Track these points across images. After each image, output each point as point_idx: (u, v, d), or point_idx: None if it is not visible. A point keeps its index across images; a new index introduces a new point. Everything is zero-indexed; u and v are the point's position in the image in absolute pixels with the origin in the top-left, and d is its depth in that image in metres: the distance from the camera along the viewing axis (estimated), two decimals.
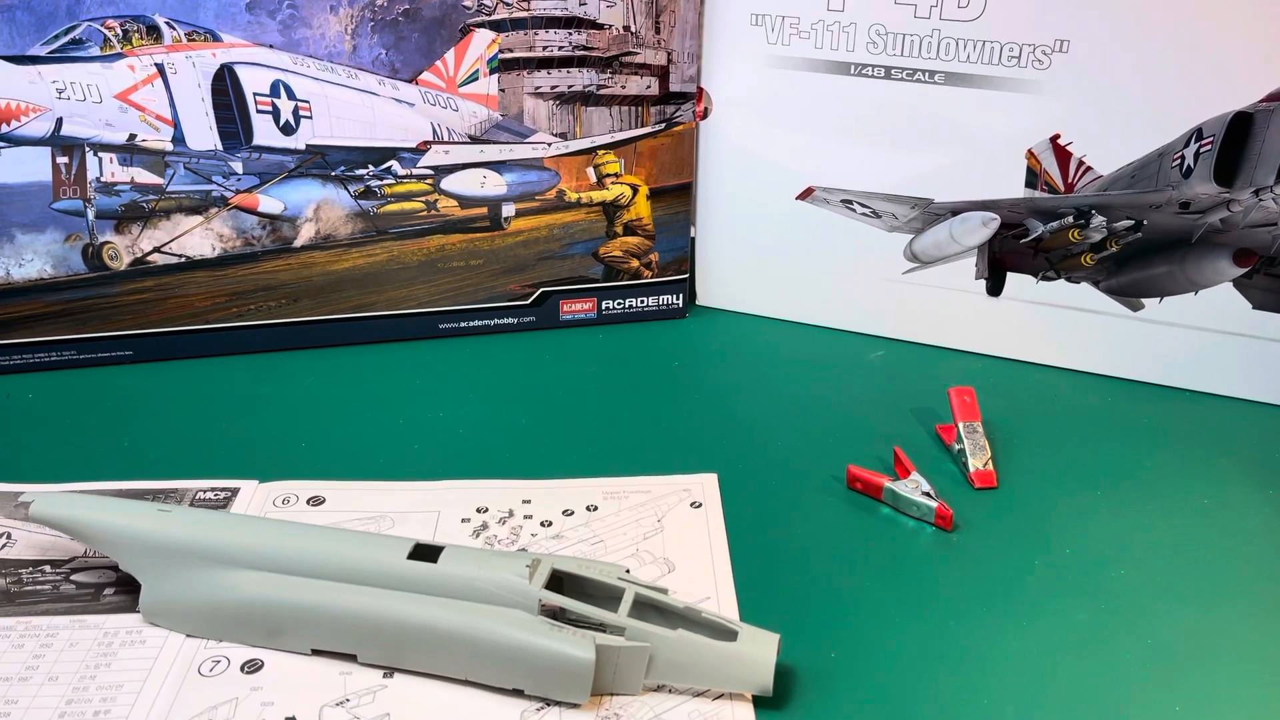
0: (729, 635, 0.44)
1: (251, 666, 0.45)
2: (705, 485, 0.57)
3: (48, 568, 0.50)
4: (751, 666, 0.43)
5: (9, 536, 0.52)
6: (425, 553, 0.46)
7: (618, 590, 0.46)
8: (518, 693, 0.44)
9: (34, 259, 0.66)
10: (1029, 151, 0.65)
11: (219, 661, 0.45)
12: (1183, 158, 0.62)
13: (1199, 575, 0.52)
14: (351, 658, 0.45)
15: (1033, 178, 0.66)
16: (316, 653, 0.46)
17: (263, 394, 0.66)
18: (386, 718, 0.43)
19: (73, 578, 0.50)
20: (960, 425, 0.60)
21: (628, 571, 0.47)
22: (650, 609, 0.46)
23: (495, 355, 0.72)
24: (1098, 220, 0.65)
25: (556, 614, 0.45)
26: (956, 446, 0.60)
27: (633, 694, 0.44)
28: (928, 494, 0.55)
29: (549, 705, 0.43)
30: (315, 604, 0.45)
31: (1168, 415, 0.65)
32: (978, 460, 0.59)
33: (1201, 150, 0.61)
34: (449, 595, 0.45)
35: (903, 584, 0.51)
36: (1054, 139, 0.65)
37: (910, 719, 0.44)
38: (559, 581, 0.46)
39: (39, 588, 0.49)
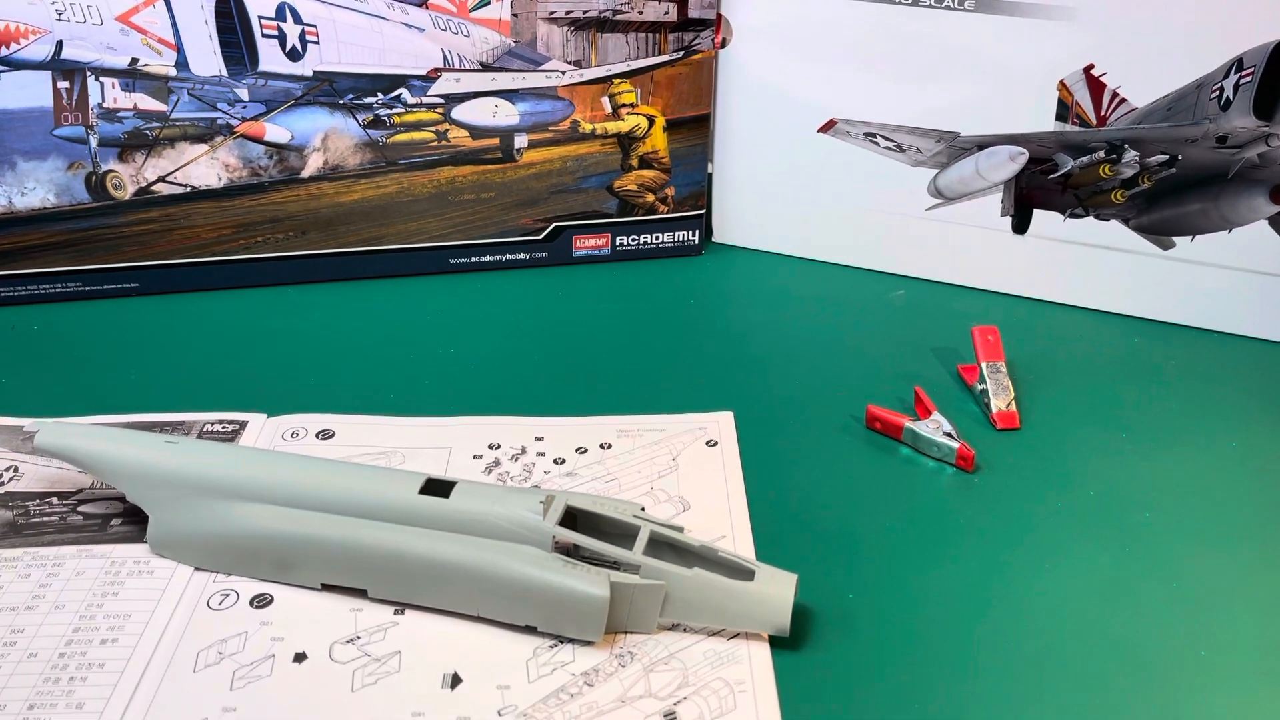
0: (746, 575, 0.43)
1: (261, 601, 0.45)
2: (721, 424, 0.56)
3: (54, 499, 0.50)
4: (769, 606, 0.43)
5: (16, 469, 0.52)
6: (437, 487, 0.45)
7: (633, 528, 0.45)
8: (530, 630, 0.43)
9: (36, 187, 0.64)
10: (1061, 83, 0.63)
11: (228, 595, 0.45)
12: (1221, 89, 0.60)
13: (1225, 518, 0.51)
14: (362, 593, 0.45)
15: (1064, 110, 0.64)
16: (327, 588, 0.45)
17: (271, 328, 0.65)
18: (397, 655, 0.42)
19: (80, 509, 0.49)
20: (983, 365, 0.59)
21: (643, 509, 0.46)
22: (666, 547, 0.45)
23: (507, 291, 0.70)
24: (1130, 155, 0.63)
25: (570, 551, 0.44)
26: (979, 387, 0.58)
27: (647, 632, 0.43)
28: (949, 434, 0.54)
29: (562, 642, 0.43)
30: (325, 538, 0.44)
31: (1196, 357, 0.63)
32: (1000, 401, 0.57)
33: (1241, 82, 0.59)
34: (461, 531, 0.44)
35: (922, 525, 0.50)
36: (1087, 69, 0.62)
37: (929, 662, 0.43)
38: (573, 518, 0.45)
39: (46, 519, 0.49)
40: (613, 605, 0.42)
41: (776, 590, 0.43)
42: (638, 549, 0.44)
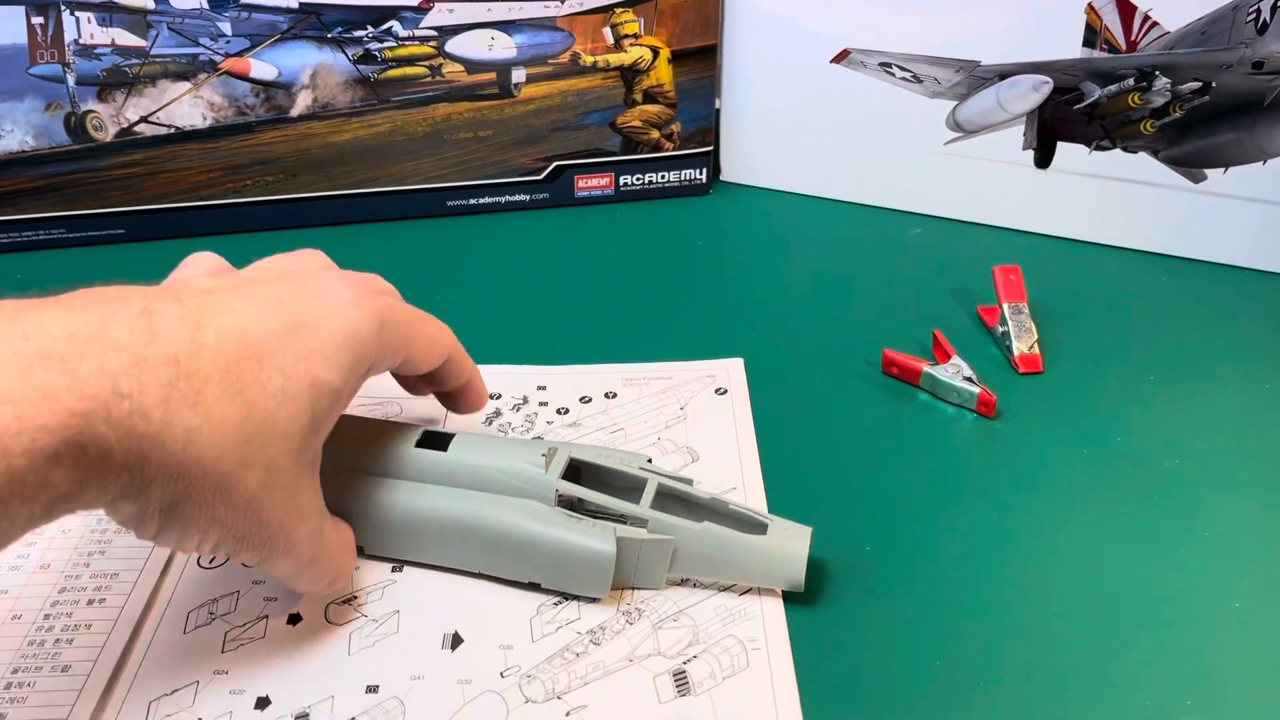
0: (758, 528, 0.42)
1: None
2: (731, 371, 0.54)
3: None
4: (782, 561, 0.41)
5: None
6: (434, 440, 0.43)
7: (639, 480, 0.43)
8: (534, 587, 0.41)
9: (14, 130, 0.61)
10: (1089, 5, 0.60)
11: None
12: (1259, 11, 0.57)
13: (1259, 465, 0.49)
14: (358, 550, 0.43)
15: (1092, 35, 0.60)
16: None
17: None
18: (396, 615, 0.41)
19: None
20: (1005, 306, 0.56)
21: (650, 461, 0.44)
22: (674, 500, 0.43)
23: (507, 234, 0.68)
24: (1161, 83, 0.60)
25: (574, 505, 0.42)
26: (1000, 329, 0.56)
27: (655, 589, 0.42)
28: (969, 379, 0.52)
29: (567, 599, 0.41)
30: None
31: (1228, 296, 0.61)
32: (1023, 343, 0.55)
33: (1279, 3, 0.56)
34: (460, 485, 0.42)
35: (942, 474, 0.48)
36: None
37: (950, 616, 0.41)
38: (577, 471, 0.43)
39: None
40: (619, 561, 0.40)
41: (790, 544, 0.41)
42: (645, 502, 0.42)
